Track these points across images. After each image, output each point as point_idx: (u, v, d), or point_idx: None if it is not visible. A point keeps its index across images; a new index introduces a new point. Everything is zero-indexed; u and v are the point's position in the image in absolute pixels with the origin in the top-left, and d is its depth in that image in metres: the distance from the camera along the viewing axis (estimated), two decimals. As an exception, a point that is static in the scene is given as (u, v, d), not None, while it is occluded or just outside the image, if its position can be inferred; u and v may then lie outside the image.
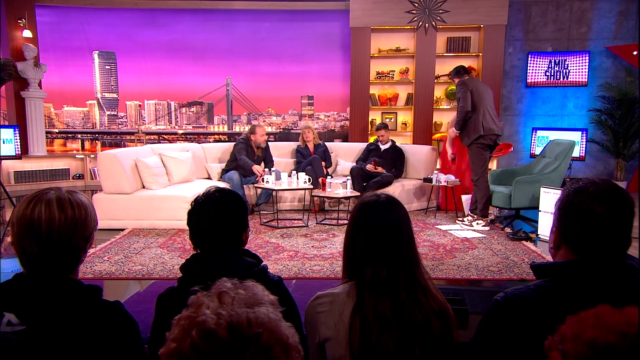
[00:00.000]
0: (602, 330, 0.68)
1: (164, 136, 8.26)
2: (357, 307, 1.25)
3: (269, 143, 6.30)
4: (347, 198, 5.18)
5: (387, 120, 7.50)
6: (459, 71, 5.14)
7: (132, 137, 8.08)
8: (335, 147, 6.65)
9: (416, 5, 7.13)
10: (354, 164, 6.11)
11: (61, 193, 1.20)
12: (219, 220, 1.48)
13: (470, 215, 5.10)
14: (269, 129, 8.17)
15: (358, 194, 5.22)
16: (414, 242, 1.35)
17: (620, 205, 1.15)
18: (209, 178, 6.00)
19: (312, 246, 4.29)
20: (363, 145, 6.44)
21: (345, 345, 1.23)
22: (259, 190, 5.55)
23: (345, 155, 6.50)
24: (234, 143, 5.95)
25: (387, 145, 6.08)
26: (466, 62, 7.39)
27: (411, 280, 1.29)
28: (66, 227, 1.16)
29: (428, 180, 5.64)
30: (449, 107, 7.48)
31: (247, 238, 1.57)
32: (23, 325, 1.08)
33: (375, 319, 1.22)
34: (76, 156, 7.78)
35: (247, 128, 7.06)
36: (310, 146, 6.24)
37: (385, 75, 7.49)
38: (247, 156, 5.75)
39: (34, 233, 1.14)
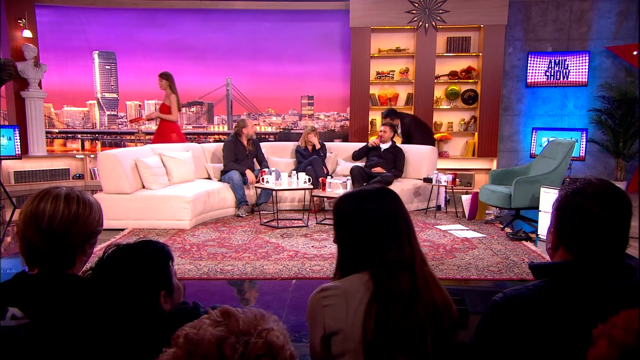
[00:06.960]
0: None
1: (164, 136, 8.25)
2: (376, 294, 1.25)
3: (266, 143, 6.29)
4: (347, 198, 5.17)
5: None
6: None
7: (132, 137, 8.07)
8: (335, 147, 6.65)
9: (416, 5, 7.13)
10: (354, 163, 6.10)
11: (71, 190, 1.25)
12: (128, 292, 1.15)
13: None
14: (269, 129, 8.17)
15: (358, 194, 5.21)
16: (415, 235, 1.38)
17: (617, 206, 1.15)
18: (209, 178, 5.99)
19: (312, 246, 4.29)
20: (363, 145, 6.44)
21: (357, 336, 1.23)
22: (259, 190, 5.55)
23: (345, 155, 6.49)
24: (222, 144, 5.96)
25: (387, 145, 6.08)
26: (466, 62, 7.41)
27: (424, 267, 1.34)
28: (67, 220, 1.20)
29: (428, 180, 5.65)
30: (449, 107, 7.49)
31: (171, 301, 1.21)
32: (27, 319, 1.10)
33: (393, 300, 1.24)
34: (76, 156, 7.79)
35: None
36: (310, 146, 6.23)
37: (385, 75, 7.49)
38: (238, 154, 5.78)
39: (36, 222, 1.18)
